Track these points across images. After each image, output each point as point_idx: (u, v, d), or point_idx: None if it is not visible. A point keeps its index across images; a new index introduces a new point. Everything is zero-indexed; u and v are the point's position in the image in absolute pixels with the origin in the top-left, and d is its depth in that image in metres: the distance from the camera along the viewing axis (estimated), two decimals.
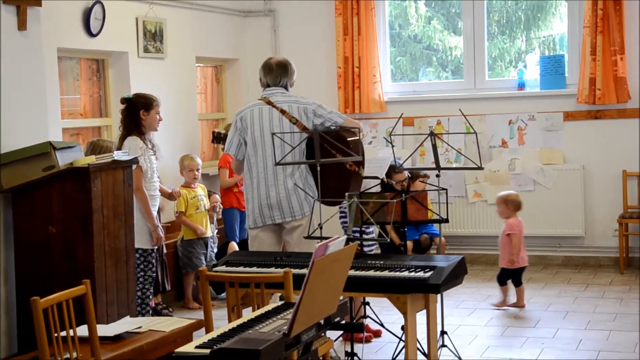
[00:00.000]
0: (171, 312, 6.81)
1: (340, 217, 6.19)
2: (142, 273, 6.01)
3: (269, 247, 5.50)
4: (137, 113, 5.90)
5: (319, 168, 5.05)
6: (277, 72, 5.53)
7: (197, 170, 7.24)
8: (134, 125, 5.90)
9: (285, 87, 5.55)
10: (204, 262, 7.16)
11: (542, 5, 8.72)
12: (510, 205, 6.78)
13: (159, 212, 6.28)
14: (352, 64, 8.51)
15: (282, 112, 5.40)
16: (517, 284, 6.72)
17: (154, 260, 6.11)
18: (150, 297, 6.17)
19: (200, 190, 7.30)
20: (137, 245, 5.85)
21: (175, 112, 7.56)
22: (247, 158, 5.52)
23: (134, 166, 5.59)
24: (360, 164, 5.39)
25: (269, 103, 5.45)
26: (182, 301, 7.28)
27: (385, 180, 6.46)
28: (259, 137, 5.43)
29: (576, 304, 6.74)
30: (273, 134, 5.26)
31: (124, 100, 5.96)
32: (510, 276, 6.73)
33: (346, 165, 5.27)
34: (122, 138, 5.91)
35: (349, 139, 5.38)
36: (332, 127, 5.41)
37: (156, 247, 6.14)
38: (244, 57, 8.87)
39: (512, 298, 6.75)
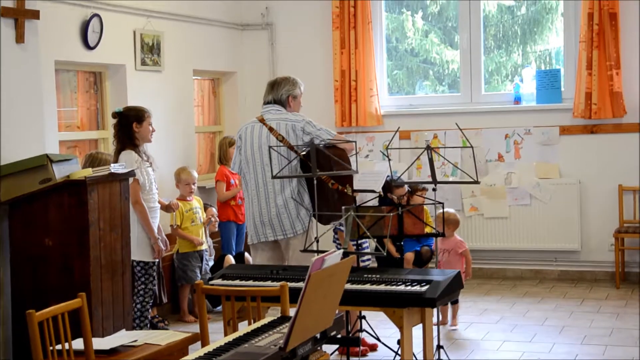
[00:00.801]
0: (167, 325, 6.80)
1: (334, 235, 6.21)
2: (142, 286, 6.01)
3: (267, 262, 5.54)
4: (130, 126, 5.91)
5: (315, 181, 5.07)
6: (277, 87, 5.65)
7: (194, 184, 7.25)
8: (128, 139, 5.90)
9: (284, 101, 5.61)
10: (198, 275, 7.15)
11: (539, 20, 8.75)
12: (451, 225, 6.63)
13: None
14: (349, 77, 8.53)
15: (270, 129, 5.46)
16: (456, 301, 6.56)
17: (154, 274, 6.11)
18: (150, 310, 6.16)
19: (196, 202, 7.30)
20: (138, 258, 5.88)
21: (172, 125, 7.57)
22: (243, 175, 5.62)
23: (131, 180, 5.59)
24: (347, 182, 5.40)
25: (262, 121, 5.53)
26: (178, 314, 7.26)
27: (385, 195, 6.46)
28: (250, 154, 5.54)
29: (572, 319, 6.73)
30: (270, 147, 5.32)
31: (116, 115, 5.97)
32: None
33: (328, 184, 5.27)
34: (117, 152, 5.91)
35: (333, 157, 5.37)
36: (321, 144, 5.41)
37: (157, 260, 6.14)
38: (241, 70, 8.89)
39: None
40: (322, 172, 5.15)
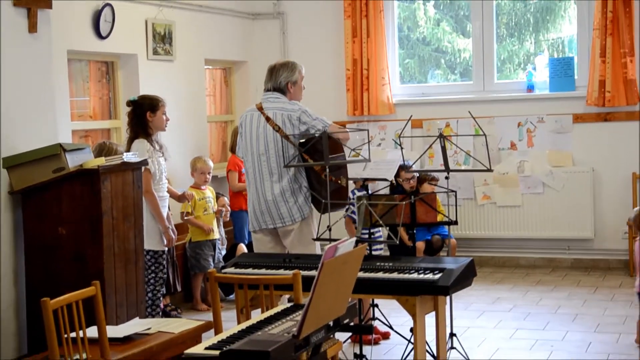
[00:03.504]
0: (180, 314, 6.82)
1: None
2: (152, 275, 6.03)
3: (268, 249, 5.56)
4: (144, 115, 5.92)
5: (327, 170, 5.07)
6: (276, 74, 5.57)
7: (209, 173, 7.27)
8: (141, 127, 5.92)
9: (284, 88, 5.55)
10: (211, 264, 7.17)
11: (551, 8, 8.70)
12: None
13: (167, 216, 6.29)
14: (360, 66, 8.51)
15: (267, 119, 5.45)
16: None
17: (164, 262, 6.12)
18: (161, 298, 6.18)
19: (209, 192, 7.32)
20: (148, 247, 5.88)
21: (184, 114, 7.57)
22: (244, 163, 5.62)
23: (143, 168, 5.60)
24: (341, 174, 5.39)
25: (260, 109, 5.51)
26: (191, 302, 7.29)
27: (393, 181, 6.44)
28: (249, 142, 5.53)
29: (585, 307, 6.72)
30: (283, 136, 5.32)
31: (130, 103, 5.99)
32: None
33: (322, 176, 5.26)
34: (130, 141, 5.93)
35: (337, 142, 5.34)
36: (317, 134, 5.37)
37: (167, 249, 6.16)
38: (252, 59, 8.88)
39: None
40: (334, 161, 5.13)
